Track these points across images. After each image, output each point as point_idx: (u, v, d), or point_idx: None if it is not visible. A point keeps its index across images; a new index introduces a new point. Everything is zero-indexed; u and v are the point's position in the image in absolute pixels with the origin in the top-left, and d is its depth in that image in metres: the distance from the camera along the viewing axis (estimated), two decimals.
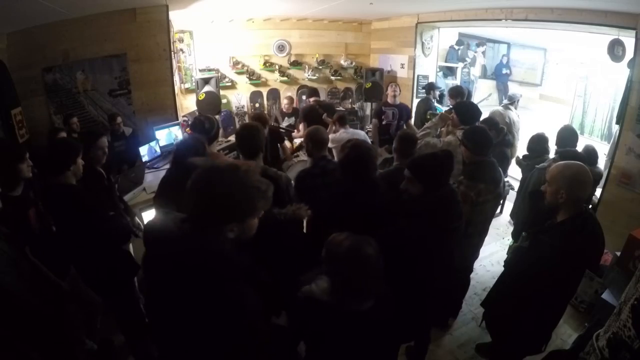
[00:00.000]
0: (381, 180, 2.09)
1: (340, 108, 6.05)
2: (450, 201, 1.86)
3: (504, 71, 8.83)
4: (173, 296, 1.02)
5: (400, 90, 4.63)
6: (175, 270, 1.01)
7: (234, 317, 1.01)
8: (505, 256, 3.04)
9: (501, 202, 4.15)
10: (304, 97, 6.11)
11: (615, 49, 3.61)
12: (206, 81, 4.73)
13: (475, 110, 3.05)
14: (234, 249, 1.06)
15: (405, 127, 4.52)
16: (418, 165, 1.86)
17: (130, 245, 2.46)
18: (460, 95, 4.37)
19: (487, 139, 2.32)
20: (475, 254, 2.60)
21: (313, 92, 4.58)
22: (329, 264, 1.27)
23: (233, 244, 1.07)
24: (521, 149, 4.34)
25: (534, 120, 7.12)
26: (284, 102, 5.06)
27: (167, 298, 1.05)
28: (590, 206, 3.09)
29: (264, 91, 6.03)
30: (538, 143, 3.19)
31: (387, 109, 4.47)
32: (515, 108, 4.52)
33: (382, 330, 1.31)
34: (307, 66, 6.22)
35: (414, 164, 1.89)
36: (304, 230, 2.34)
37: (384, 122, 4.45)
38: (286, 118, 4.98)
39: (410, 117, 4.69)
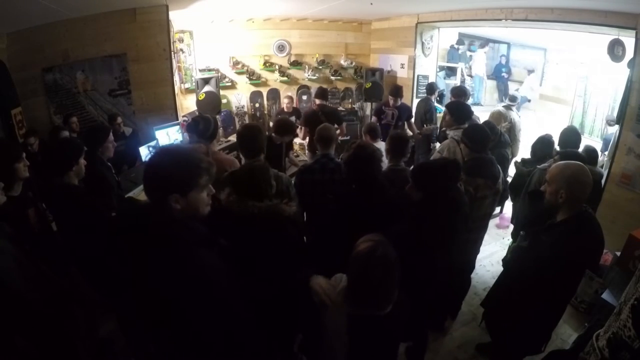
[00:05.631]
0: (386, 181, 2.09)
1: (341, 108, 6.07)
2: (455, 204, 1.85)
3: (503, 72, 8.84)
4: (144, 271, 1.10)
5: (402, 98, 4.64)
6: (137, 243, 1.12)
7: (197, 282, 1.07)
8: (505, 256, 3.05)
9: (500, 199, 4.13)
10: (304, 97, 6.12)
11: (615, 49, 3.61)
12: (206, 81, 4.73)
13: (466, 109, 3.09)
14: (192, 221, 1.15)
15: (406, 126, 4.53)
16: (416, 174, 1.88)
17: None
18: (463, 95, 4.37)
19: (486, 136, 2.35)
20: (475, 250, 2.60)
21: (321, 93, 4.27)
22: (351, 268, 1.26)
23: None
24: (523, 150, 4.35)
25: (534, 120, 7.13)
26: (285, 102, 5.06)
27: (139, 274, 1.12)
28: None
29: (264, 91, 6.03)
30: (543, 146, 3.07)
31: (387, 109, 4.53)
32: (518, 109, 4.51)
33: (394, 334, 1.32)
34: (307, 66, 6.22)
35: (414, 173, 1.90)
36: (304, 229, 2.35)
37: (383, 122, 4.47)
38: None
39: (411, 117, 4.71)
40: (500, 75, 8.89)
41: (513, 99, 4.60)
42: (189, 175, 1.10)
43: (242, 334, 1.20)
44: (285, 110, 5.02)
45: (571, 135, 2.97)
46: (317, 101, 4.20)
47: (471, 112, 3.15)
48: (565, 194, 1.61)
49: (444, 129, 3.27)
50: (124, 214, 1.30)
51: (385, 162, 2.37)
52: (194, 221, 1.15)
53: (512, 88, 8.55)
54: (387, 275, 1.20)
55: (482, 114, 4.55)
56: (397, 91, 4.44)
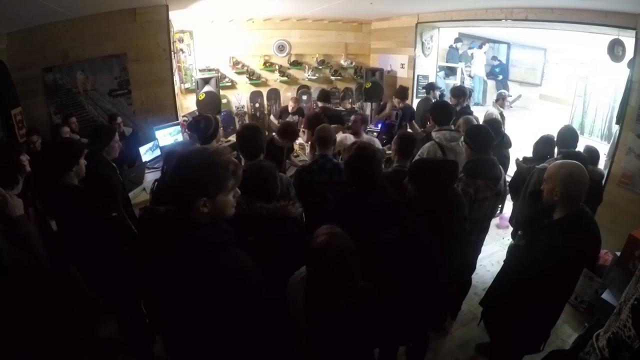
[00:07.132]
0: (387, 182, 2.09)
1: (341, 109, 6.07)
2: (453, 205, 1.85)
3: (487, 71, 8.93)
4: (174, 281, 1.08)
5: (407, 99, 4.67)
6: (167, 250, 1.08)
7: (236, 282, 1.08)
8: (505, 256, 3.05)
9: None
10: (304, 97, 6.12)
11: (615, 49, 3.61)
12: (206, 81, 4.72)
13: (447, 110, 3.03)
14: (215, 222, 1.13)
15: (408, 127, 4.54)
16: (414, 170, 1.87)
17: None
18: (462, 95, 4.38)
19: (490, 138, 2.35)
20: (476, 252, 2.59)
21: (324, 95, 4.20)
22: (308, 257, 1.31)
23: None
24: (520, 148, 4.36)
25: (534, 120, 7.13)
26: (290, 104, 5.05)
27: (168, 285, 1.10)
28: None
29: (264, 91, 6.04)
30: (544, 145, 3.06)
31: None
32: (501, 106, 4.56)
33: (361, 326, 1.33)
34: (307, 66, 6.22)
35: (411, 169, 1.90)
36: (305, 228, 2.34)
37: (386, 122, 4.49)
38: (290, 116, 5.00)
39: (414, 117, 4.71)
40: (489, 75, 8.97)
41: (498, 96, 4.70)
42: (218, 178, 1.08)
43: (271, 331, 1.23)
44: (290, 110, 5.03)
45: (569, 135, 2.97)
46: (320, 103, 4.11)
47: (453, 114, 3.10)
48: (560, 192, 1.61)
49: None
50: (147, 223, 1.27)
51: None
52: (221, 221, 1.14)
53: (512, 88, 8.57)
54: (339, 266, 1.23)
55: (481, 114, 4.57)
56: (403, 93, 4.43)
